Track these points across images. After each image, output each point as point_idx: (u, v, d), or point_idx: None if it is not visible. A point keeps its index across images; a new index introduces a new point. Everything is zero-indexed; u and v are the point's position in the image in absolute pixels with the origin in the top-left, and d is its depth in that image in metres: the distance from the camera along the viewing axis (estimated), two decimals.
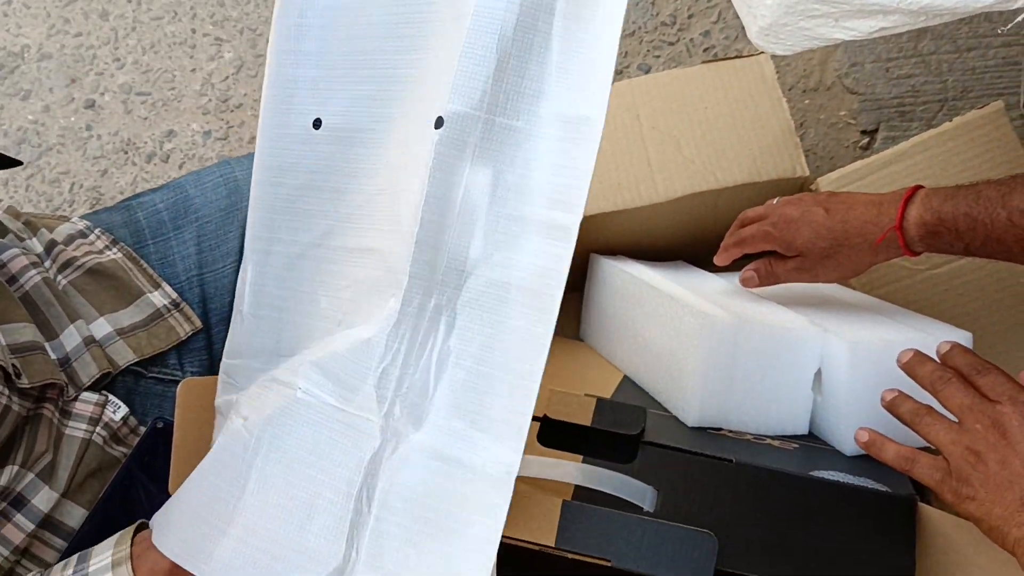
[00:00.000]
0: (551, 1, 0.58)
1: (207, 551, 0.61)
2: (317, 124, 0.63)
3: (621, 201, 1.04)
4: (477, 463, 0.58)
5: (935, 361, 0.70)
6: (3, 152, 0.85)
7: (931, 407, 0.69)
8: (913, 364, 0.71)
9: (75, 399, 0.83)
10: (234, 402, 0.66)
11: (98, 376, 0.84)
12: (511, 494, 0.57)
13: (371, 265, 0.60)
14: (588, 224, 1.05)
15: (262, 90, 0.67)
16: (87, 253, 0.91)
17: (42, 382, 0.78)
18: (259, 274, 0.67)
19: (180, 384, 0.77)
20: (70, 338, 0.84)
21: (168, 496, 0.76)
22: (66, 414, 0.82)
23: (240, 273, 0.69)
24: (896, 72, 1.40)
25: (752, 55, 1.09)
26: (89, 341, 0.85)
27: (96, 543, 0.83)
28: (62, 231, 0.93)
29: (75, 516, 0.83)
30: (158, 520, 0.68)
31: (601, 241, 1.12)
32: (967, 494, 0.65)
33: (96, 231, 0.94)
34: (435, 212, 0.58)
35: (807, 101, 1.43)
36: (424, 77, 0.59)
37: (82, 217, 0.96)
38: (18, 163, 0.80)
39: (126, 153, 1.56)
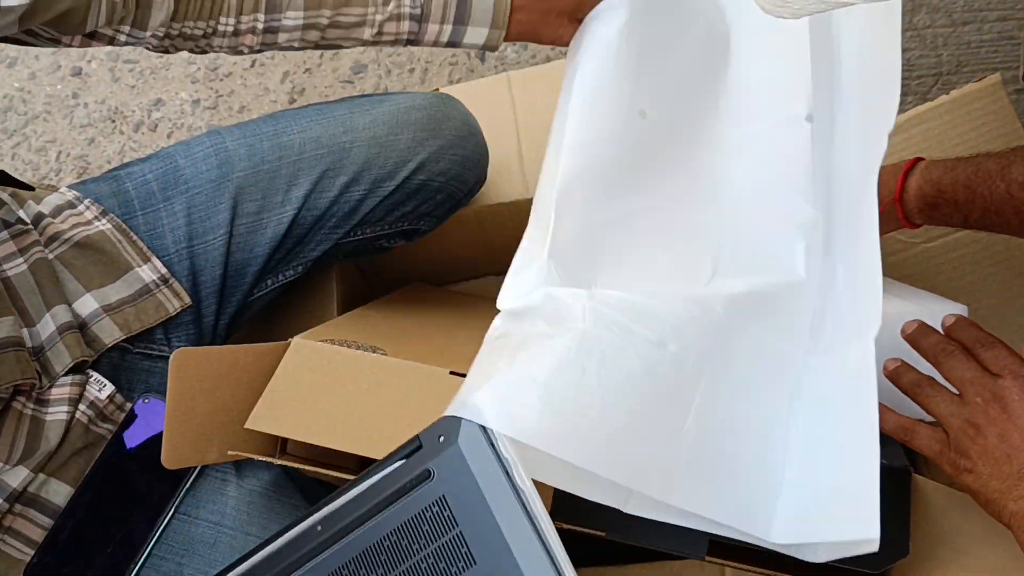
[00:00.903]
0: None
1: (655, 468, 0.65)
2: (643, 114, 0.75)
3: None
4: (863, 359, 0.66)
5: (939, 333, 0.71)
6: (9, 173, 0.85)
7: (933, 379, 0.70)
8: (917, 335, 0.71)
9: (50, 388, 0.82)
10: (601, 316, 0.67)
11: (71, 365, 0.82)
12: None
13: (736, 231, 0.74)
14: None
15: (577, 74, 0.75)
16: (75, 226, 0.90)
17: (11, 384, 0.77)
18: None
19: (173, 354, 0.76)
20: (46, 327, 0.83)
21: (157, 470, 0.76)
22: (43, 402, 0.81)
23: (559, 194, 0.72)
24: None
25: None
26: (63, 328, 0.83)
27: (84, 521, 0.83)
28: (50, 201, 0.91)
29: (61, 494, 0.82)
30: (544, 440, 0.65)
31: None
32: (965, 466, 0.65)
33: (86, 201, 0.92)
34: (822, 185, 0.75)
35: None
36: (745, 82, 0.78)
37: (70, 187, 0.95)
38: (28, 188, 0.80)
39: (113, 122, 1.54)
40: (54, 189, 0.93)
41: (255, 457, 0.79)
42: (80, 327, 0.86)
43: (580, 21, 0.79)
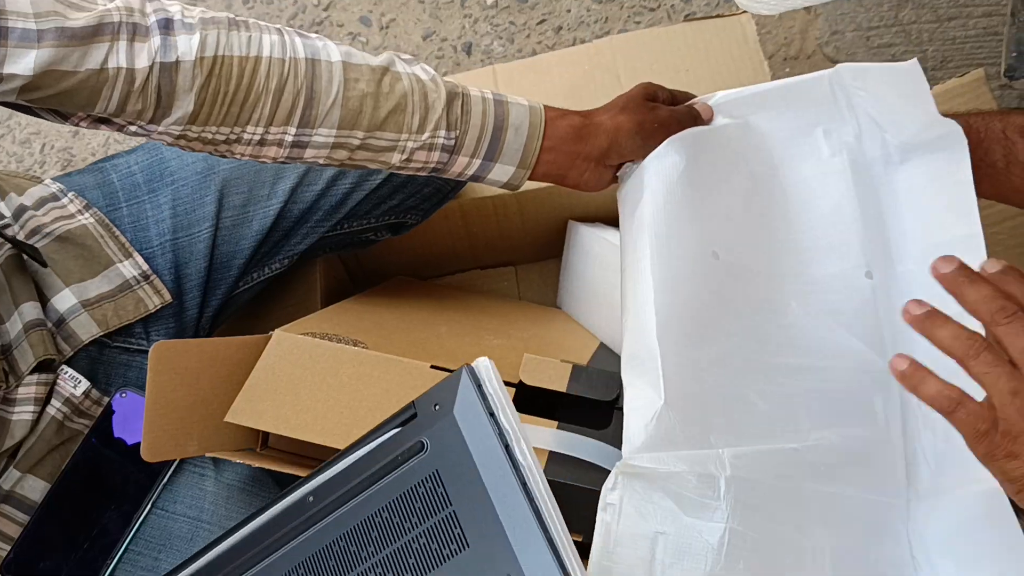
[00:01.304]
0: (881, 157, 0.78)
1: None
2: (716, 255, 0.76)
3: None
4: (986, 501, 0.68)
5: (987, 283, 0.57)
6: None
7: (988, 342, 0.57)
8: (958, 277, 0.57)
9: (17, 387, 0.81)
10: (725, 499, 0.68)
11: (35, 364, 0.81)
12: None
13: (817, 378, 0.75)
14: (566, 191, 1.04)
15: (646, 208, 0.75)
16: (57, 219, 0.89)
17: None
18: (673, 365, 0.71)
19: (153, 346, 0.76)
20: (14, 325, 0.82)
21: (138, 463, 0.76)
22: (9, 402, 0.81)
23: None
24: (876, 41, 1.40)
25: (734, 15, 1.08)
26: (29, 326, 0.83)
27: (61, 516, 0.83)
28: (34, 193, 0.91)
29: (37, 490, 0.82)
30: None
31: (579, 208, 1.12)
32: (1012, 451, 0.56)
33: (70, 194, 0.92)
34: (889, 337, 0.77)
35: (788, 70, 1.42)
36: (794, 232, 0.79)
37: (55, 179, 0.94)
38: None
39: None
40: (38, 181, 0.93)
41: (233, 459, 0.79)
42: (57, 322, 0.85)
43: (608, 167, 0.79)
